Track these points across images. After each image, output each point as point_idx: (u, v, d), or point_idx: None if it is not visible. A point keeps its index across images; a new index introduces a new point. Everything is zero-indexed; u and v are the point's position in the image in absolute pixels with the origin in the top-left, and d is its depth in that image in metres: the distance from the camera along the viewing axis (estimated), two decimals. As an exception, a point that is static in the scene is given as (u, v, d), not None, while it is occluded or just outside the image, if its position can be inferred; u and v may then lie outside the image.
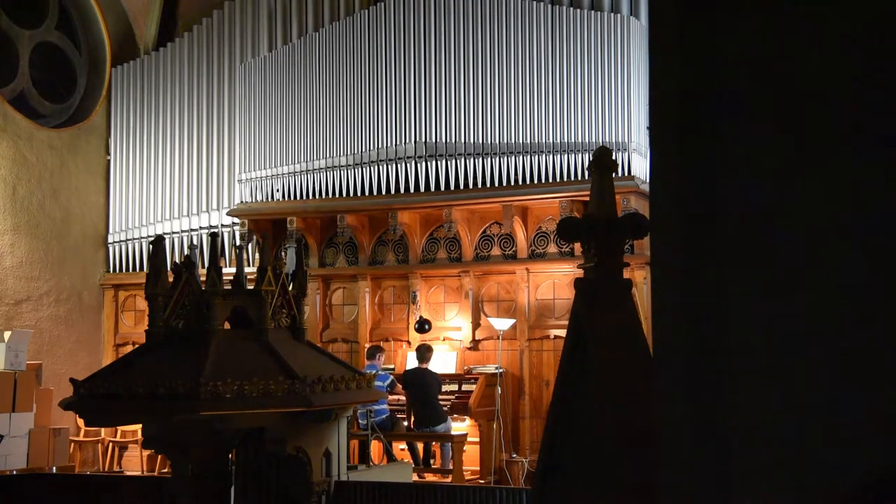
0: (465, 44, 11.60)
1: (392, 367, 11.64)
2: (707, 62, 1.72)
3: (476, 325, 11.81)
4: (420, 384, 10.64)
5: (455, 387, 11.15)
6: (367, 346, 11.67)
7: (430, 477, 10.57)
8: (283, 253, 11.90)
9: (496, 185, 11.28)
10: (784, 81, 1.65)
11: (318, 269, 12.49)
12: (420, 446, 10.91)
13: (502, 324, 11.08)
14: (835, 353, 1.58)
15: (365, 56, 12.09)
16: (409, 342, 11.98)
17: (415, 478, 9.65)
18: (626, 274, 3.02)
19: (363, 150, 11.99)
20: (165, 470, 11.30)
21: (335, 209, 12.09)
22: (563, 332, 7.79)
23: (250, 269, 8.79)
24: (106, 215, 14.15)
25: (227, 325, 5.78)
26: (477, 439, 11.01)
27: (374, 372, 8.84)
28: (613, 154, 3.14)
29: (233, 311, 5.73)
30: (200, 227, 13.47)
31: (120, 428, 12.73)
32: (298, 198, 12.33)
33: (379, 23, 12.06)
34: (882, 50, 1.56)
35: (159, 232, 13.45)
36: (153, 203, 13.90)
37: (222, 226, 13.27)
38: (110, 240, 14.10)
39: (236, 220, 12.87)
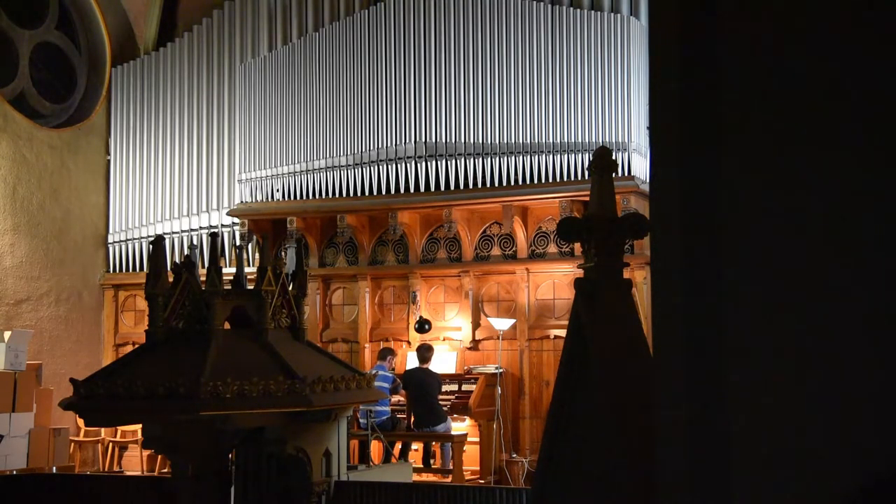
0: (465, 44, 11.60)
1: (392, 367, 11.63)
2: (707, 63, 1.72)
3: (476, 325, 11.80)
4: (420, 384, 10.63)
5: (455, 387, 11.15)
6: (381, 347, 11.65)
7: (430, 477, 10.57)
8: (283, 253, 11.91)
9: (496, 185, 11.28)
10: (783, 82, 1.65)
11: (318, 269, 12.48)
12: (420, 446, 10.91)
13: (502, 324, 11.07)
14: (834, 353, 1.58)
15: (365, 56, 12.09)
16: (409, 342, 11.97)
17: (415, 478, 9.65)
18: (626, 274, 3.02)
19: (363, 150, 11.99)
20: (165, 470, 11.30)
21: (335, 209, 12.09)
22: (563, 332, 7.79)
23: (250, 269, 8.79)
24: (106, 215, 14.14)
25: (227, 325, 5.79)
26: (477, 439, 11.01)
27: (376, 371, 8.85)
28: (613, 154, 3.14)
29: (233, 311, 5.73)
30: (200, 227, 13.47)
31: (120, 428, 12.73)
32: (298, 198, 12.33)
33: (379, 23, 12.06)
34: (882, 52, 1.56)
35: (159, 232, 13.45)
36: (153, 203, 13.90)
37: (222, 226, 13.27)
38: (110, 240, 14.10)
39: (236, 220, 12.87)
